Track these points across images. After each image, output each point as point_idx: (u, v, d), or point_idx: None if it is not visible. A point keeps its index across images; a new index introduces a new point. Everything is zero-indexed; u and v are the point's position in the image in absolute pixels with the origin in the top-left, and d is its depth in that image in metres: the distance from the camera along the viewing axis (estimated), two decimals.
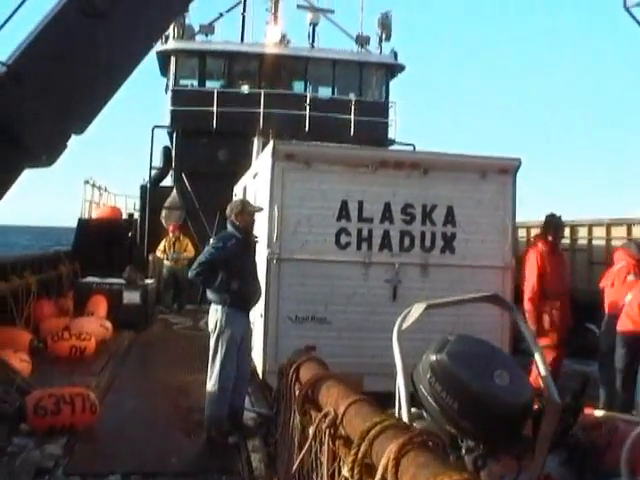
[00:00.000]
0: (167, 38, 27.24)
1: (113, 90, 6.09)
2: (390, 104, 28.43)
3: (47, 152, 5.77)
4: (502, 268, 10.59)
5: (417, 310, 5.92)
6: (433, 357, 5.28)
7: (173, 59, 27.42)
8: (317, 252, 10.07)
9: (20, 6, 5.53)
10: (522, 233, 17.61)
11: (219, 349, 8.85)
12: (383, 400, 5.54)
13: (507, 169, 10.65)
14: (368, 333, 9.99)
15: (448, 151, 11.18)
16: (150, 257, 23.10)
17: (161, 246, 22.31)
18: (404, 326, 5.92)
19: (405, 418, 5.24)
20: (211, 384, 8.85)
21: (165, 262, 22.17)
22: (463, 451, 5.24)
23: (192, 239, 22.52)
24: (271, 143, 10.13)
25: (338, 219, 10.13)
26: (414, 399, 5.41)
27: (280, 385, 6.49)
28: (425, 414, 5.40)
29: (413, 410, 5.43)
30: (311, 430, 4.23)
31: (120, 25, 5.87)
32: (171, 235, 22.42)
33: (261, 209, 9.47)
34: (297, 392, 5.23)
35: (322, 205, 10.07)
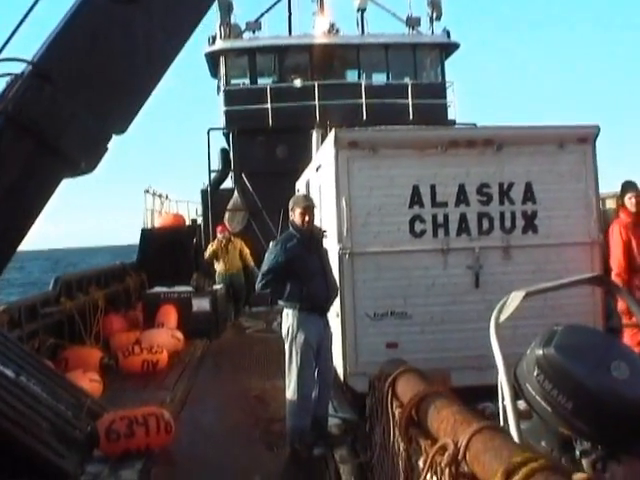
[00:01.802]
0: (214, 39, 27.22)
1: (155, 81, 5.57)
2: (447, 84, 27.93)
3: (86, 157, 5.23)
4: (589, 244, 9.89)
5: (515, 299, 5.24)
6: (540, 352, 4.62)
7: (222, 59, 27.28)
8: (391, 243, 9.47)
9: None
10: (610, 204, 16.68)
11: (294, 356, 8.37)
12: (472, 395, 5.01)
13: (586, 137, 9.92)
14: (451, 325, 9.47)
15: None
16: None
17: (210, 251, 20.49)
18: (502, 318, 5.24)
19: (513, 427, 4.57)
20: (290, 393, 8.36)
21: (217, 268, 20.33)
22: (577, 454, 4.58)
23: (252, 241, 21.31)
24: (332, 132, 9.58)
25: (410, 206, 9.50)
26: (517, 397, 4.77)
27: (372, 400, 5.84)
28: (534, 415, 4.75)
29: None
30: (421, 463, 3.60)
31: (156, 8, 5.29)
32: (220, 236, 20.45)
33: (311, 205, 8.88)
34: (396, 411, 4.58)
35: (392, 192, 9.46)
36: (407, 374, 4.98)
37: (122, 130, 5.39)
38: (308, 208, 8.63)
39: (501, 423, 4.73)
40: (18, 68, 5.02)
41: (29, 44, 5.21)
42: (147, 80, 5.47)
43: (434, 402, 4.02)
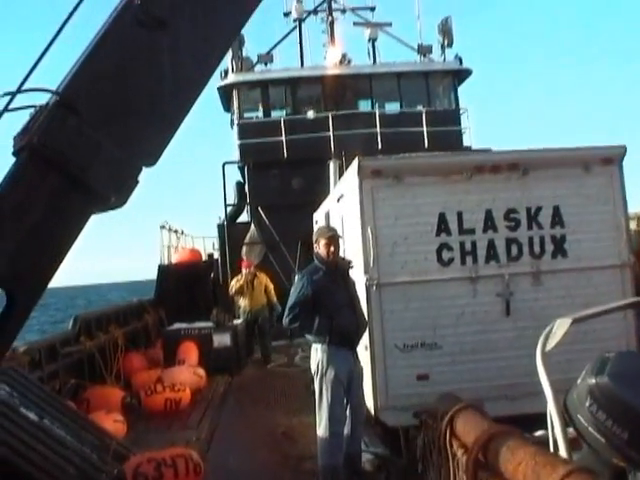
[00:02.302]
0: (226, 72, 27.29)
1: (184, 110, 5.39)
2: (461, 111, 27.86)
3: (115, 190, 5.03)
4: (620, 266, 9.69)
5: (562, 327, 5.03)
6: (592, 380, 4.41)
7: (235, 92, 27.33)
8: (419, 272, 9.29)
9: (65, 24, 4.87)
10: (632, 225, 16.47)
11: (324, 392, 8.14)
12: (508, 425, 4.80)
13: (612, 158, 9.78)
14: (483, 354, 9.28)
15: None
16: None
17: (236, 287, 19.41)
18: (549, 347, 5.02)
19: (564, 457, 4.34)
20: (321, 431, 8.12)
21: (241, 304, 19.49)
22: None
23: (270, 274, 20.57)
24: (355, 161, 9.40)
25: (437, 234, 9.35)
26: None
27: (425, 440, 5.59)
28: (584, 445, 4.52)
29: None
30: None
31: (185, 34, 5.14)
32: (245, 271, 19.52)
33: (337, 236, 8.72)
34: (458, 452, 4.33)
35: (418, 221, 9.30)
36: (466, 411, 4.74)
37: (152, 162, 5.20)
38: (333, 238, 8.47)
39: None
40: (42, 99, 4.86)
41: (53, 74, 5.06)
42: (176, 109, 5.29)
43: (505, 442, 3.77)
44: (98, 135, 4.81)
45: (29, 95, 4.81)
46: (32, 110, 4.78)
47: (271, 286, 19.36)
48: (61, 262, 4.99)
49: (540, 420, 5.39)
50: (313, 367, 8.31)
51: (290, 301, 8.46)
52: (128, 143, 4.98)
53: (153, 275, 25.58)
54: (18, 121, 4.84)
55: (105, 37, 4.94)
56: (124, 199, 5.15)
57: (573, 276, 9.53)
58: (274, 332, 19.38)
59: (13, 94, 4.71)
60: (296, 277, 9.02)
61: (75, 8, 4.92)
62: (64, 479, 6.85)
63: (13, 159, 4.82)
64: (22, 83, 4.74)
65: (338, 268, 8.50)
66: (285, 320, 8.47)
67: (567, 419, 4.54)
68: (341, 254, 9.06)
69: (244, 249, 24.49)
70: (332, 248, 8.44)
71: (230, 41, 5.92)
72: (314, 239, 8.60)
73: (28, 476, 6.59)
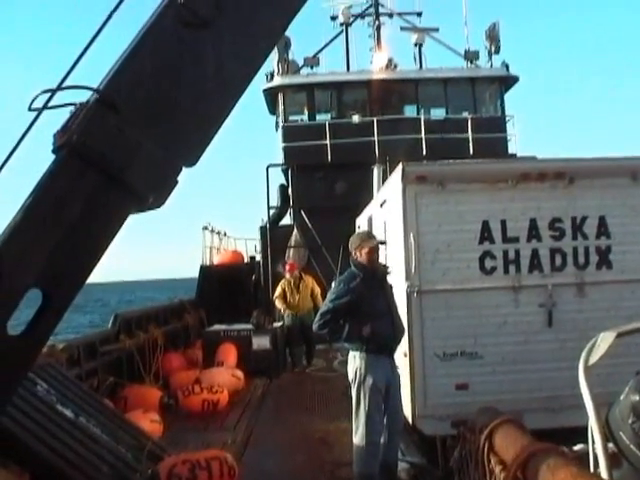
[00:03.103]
0: (272, 75, 27.36)
1: (226, 111, 5.33)
2: (507, 118, 27.64)
3: (154, 190, 4.99)
4: None
5: (606, 340, 4.87)
6: (636, 397, 4.26)
7: (281, 95, 27.36)
8: (461, 280, 9.16)
9: (107, 22, 4.84)
10: None
11: (362, 400, 8.03)
12: (546, 438, 4.67)
13: None
14: (524, 365, 9.13)
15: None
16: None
17: (279, 291, 18.92)
18: (591, 361, 4.88)
19: (605, 475, 4.21)
20: (358, 438, 8.01)
21: (289, 309, 18.67)
22: None
23: (316, 278, 20.17)
24: (399, 166, 9.31)
25: (480, 242, 9.22)
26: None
27: (462, 453, 5.48)
28: (624, 462, 4.37)
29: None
30: None
31: (229, 33, 5.10)
32: (288, 276, 18.95)
33: (383, 242, 8.65)
34: (496, 469, 4.21)
35: (461, 228, 9.18)
36: (506, 426, 4.61)
37: (192, 162, 5.16)
38: (377, 247, 8.39)
39: (591, 469, 4.39)
40: (83, 97, 4.84)
41: (95, 73, 5.04)
42: (217, 110, 5.24)
43: (545, 461, 3.65)
44: (138, 134, 4.78)
45: (70, 93, 4.80)
46: (72, 108, 4.77)
47: (318, 290, 18.69)
48: (97, 262, 4.97)
49: (580, 434, 5.27)
50: (351, 374, 8.21)
51: (323, 307, 8.44)
52: (168, 142, 4.94)
53: (194, 274, 25.72)
54: (58, 119, 4.83)
55: (147, 35, 4.91)
56: (163, 199, 5.12)
57: (617, 288, 9.34)
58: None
59: (53, 91, 4.70)
60: (333, 283, 8.93)
61: (117, 5, 4.91)
62: (97, 477, 6.85)
63: (53, 156, 4.81)
64: (62, 80, 4.73)
65: (376, 274, 8.41)
66: (315, 325, 8.41)
67: (608, 435, 4.40)
68: (382, 260, 8.98)
69: (289, 252, 24.49)
70: (375, 256, 8.38)
71: (274, 41, 5.87)
72: (355, 245, 8.44)
73: (62, 473, 6.60)
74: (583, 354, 4.94)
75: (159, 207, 5.18)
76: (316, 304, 17.96)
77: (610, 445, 4.39)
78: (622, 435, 4.27)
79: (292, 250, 24.78)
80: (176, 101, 4.99)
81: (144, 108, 4.88)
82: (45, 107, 4.69)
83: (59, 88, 4.71)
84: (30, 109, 4.68)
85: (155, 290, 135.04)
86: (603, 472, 4.23)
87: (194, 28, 4.90)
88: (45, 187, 4.70)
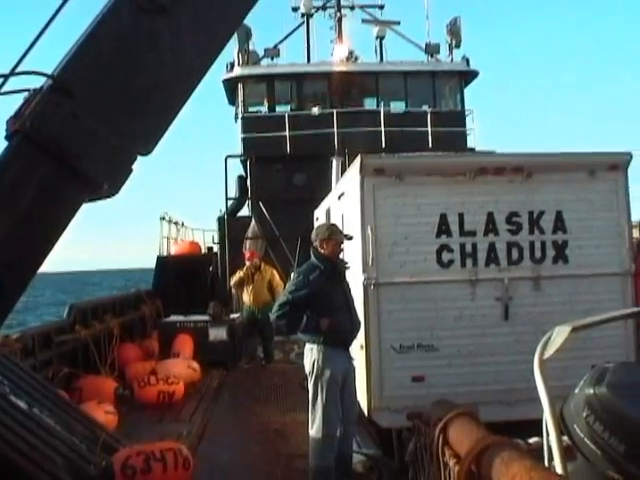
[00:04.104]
0: (232, 65, 27.22)
1: (182, 99, 5.27)
2: (467, 112, 27.75)
3: (109, 178, 4.91)
4: (621, 275, 9.59)
5: (561, 334, 4.89)
6: (590, 391, 4.27)
7: (240, 86, 27.25)
8: (418, 273, 9.18)
9: (62, 6, 4.76)
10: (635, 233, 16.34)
11: (319, 392, 8.01)
12: (500, 431, 4.70)
13: (617, 165, 9.67)
14: (480, 358, 9.20)
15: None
16: (233, 290, 20.79)
17: (236, 278, 18.28)
18: (546, 354, 4.90)
19: (559, 468, 4.23)
20: (314, 431, 8.00)
21: (244, 299, 18.19)
22: None
23: (276, 268, 19.62)
24: (358, 158, 9.28)
25: (438, 235, 9.24)
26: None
27: (417, 445, 5.47)
28: (578, 456, 4.40)
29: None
30: None
31: (186, 20, 5.03)
32: (248, 263, 18.26)
33: (351, 237, 8.63)
34: (450, 462, 4.21)
35: (419, 221, 9.20)
36: (460, 419, 4.60)
37: (148, 151, 5.09)
38: (342, 240, 8.41)
39: (545, 462, 4.41)
40: (36, 82, 4.75)
41: (49, 57, 4.96)
42: (174, 98, 5.19)
43: (499, 454, 3.64)
44: (93, 121, 4.71)
45: (23, 78, 4.71)
46: (26, 94, 4.69)
47: (278, 281, 17.94)
48: (51, 249, 4.90)
49: (535, 426, 5.29)
50: (308, 367, 8.20)
51: (282, 298, 8.40)
52: (124, 130, 4.87)
53: (150, 264, 25.54)
54: (11, 105, 4.75)
55: (103, 21, 4.83)
56: (117, 187, 5.05)
57: (574, 283, 9.44)
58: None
59: (6, 77, 4.61)
60: (292, 275, 8.90)
61: None
62: (51, 469, 6.76)
63: (5, 143, 4.73)
64: (16, 66, 4.64)
65: (336, 268, 8.39)
66: (273, 316, 8.36)
67: (563, 428, 4.42)
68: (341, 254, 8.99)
69: (246, 243, 24.37)
70: (339, 249, 8.40)
71: (232, 30, 5.80)
72: (322, 236, 8.39)
73: (15, 464, 6.52)
74: (538, 348, 4.96)
75: (113, 195, 5.11)
76: (274, 297, 16.97)
77: (564, 438, 4.42)
78: (576, 428, 4.28)
79: (249, 241, 24.68)
80: (132, 88, 4.92)
81: (99, 95, 4.81)
82: None
83: (12, 73, 4.62)
84: None
85: (110, 280, 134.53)
86: (557, 465, 4.25)
87: (151, 14, 4.83)
88: None
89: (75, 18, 5.32)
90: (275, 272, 18.44)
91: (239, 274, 18.26)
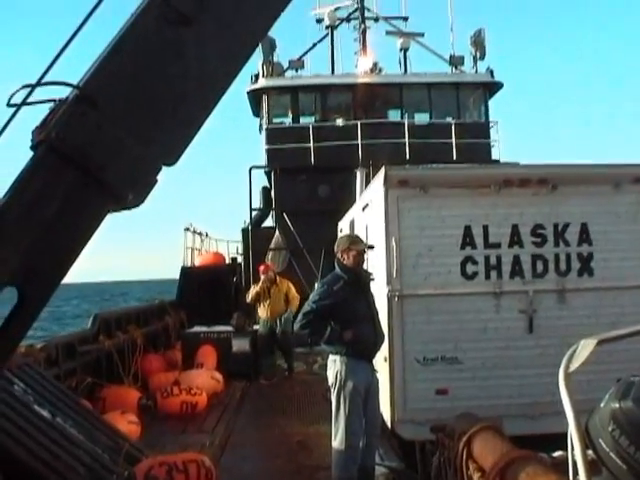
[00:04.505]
0: (257, 77, 27.34)
1: (207, 110, 5.26)
2: (491, 124, 27.67)
3: (133, 189, 4.91)
4: None
5: (586, 348, 4.83)
6: (616, 405, 4.22)
7: (265, 97, 27.30)
8: (442, 285, 9.14)
9: (88, 17, 4.78)
10: None
11: (342, 404, 7.97)
12: (525, 444, 4.64)
13: None
14: (504, 371, 9.12)
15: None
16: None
17: (252, 294, 17.71)
18: (572, 368, 4.84)
19: None
20: (337, 442, 7.95)
21: (261, 314, 17.70)
22: None
23: (298, 281, 19.91)
24: (382, 170, 9.27)
25: (462, 247, 9.20)
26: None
27: (440, 460, 5.43)
28: (604, 470, 4.34)
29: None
30: None
31: (211, 31, 5.03)
32: (263, 277, 17.66)
33: (371, 246, 8.59)
34: (474, 476, 4.17)
35: (443, 233, 9.16)
36: (484, 433, 4.55)
37: (173, 161, 5.09)
38: (364, 250, 8.37)
39: (570, 476, 4.36)
40: (62, 93, 4.77)
41: (75, 68, 4.97)
42: (199, 108, 5.18)
43: (524, 468, 3.59)
44: (118, 131, 4.71)
45: (49, 89, 4.73)
46: (52, 104, 4.70)
47: (293, 294, 17.57)
48: (75, 260, 4.89)
49: (559, 440, 5.23)
50: (331, 378, 8.16)
51: (305, 307, 8.35)
52: (149, 141, 4.87)
53: (173, 275, 25.62)
54: (37, 115, 4.76)
55: (129, 32, 4.83)
56: (142, 198, 5.04)
57: (599, 295, 9.35)
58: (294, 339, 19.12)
59: (32, 87, 4.62)
60: (316, 285, 8.87)
61: (99, 1, 4.84)
62: (74, 479, 6.77)
63: (31, 153, 4.74)
64: (42, 76, 4.63)
65: (360, 279, 8.36)
66: (296, 325, 8.35)
67: (588, 442, 4.37)
68: (365, 265, 8.95)
69: (269, 255, 24.39)
70: (362, 259, 8.36)
71: (257, 41, 5.80)
72: (342, 247, 8.37)
73: (38, 474, 6.53)
74: (564, 361, 4.90)
75: (138, 206, 5.10)
76: (291, 309, 17.15)
77: (589, 452, 4.36)
78: (602, 442, 4.23)
79: (272, 253, 24.69)
80: (157, 99, 4.92)
81: (124, 105, 4.81)
82: (24, 103, 4.61)
83: (38, 84, 4.63)
84: (9, 105, 4.60)
85: (136, 291, 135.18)
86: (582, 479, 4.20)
87: (177, 25, 4.84)
88: (23, 184, 4.62)
89: (102, 29, 5.33)
90: (291, 285, 18.07)
91: (255, 289, 17.85)
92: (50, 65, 4.67)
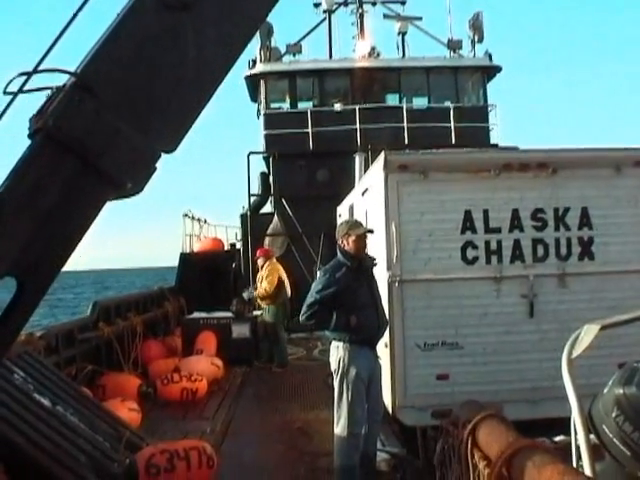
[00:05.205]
0: (254, 62, 27.24)
1: (206, 97, 5.21)
2: (490, 107, 27.55)
3: (132, 177, 4.86)
4: None
5: (589, 333, 4.81)
6: (619, 391, 4.20)
7: (262, 82, 27.19)
8: (442, 270, 9.11)
9: (85, 3, 4.72)
10: None
11: (344, 390, 7.92)
12: (525, 429, 4.62)
13: None
14: (505, 356, 9.12)
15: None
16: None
17: (272, 283, 16.83)
18: (575, 353, 4.82)
19: (587, 468, 4.16)
20: (339, 429, 7.92)
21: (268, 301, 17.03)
22: None
23: (293, 266, 19.74)
24: (382, 154, 9.22)
25: (462, 232, 9.17)
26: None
27: (444, 447, 5.39)
28: (607, 456, 4.32)
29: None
30: None
31: (210, 16, 4.98)
32: (268, 263, 17.20)
33: (370, 230, 8.52)
34: (480, 465, 4.13)
35: (443, 218, 9.13)
36: (490, 421, 4.51)
37: (172, 149, 5.04)
38: (365, 235, 8.27)
39: (574, 462, 4.34)
40: (59, 80, 4.72)
41: (71, 55, 4.92)
42: (198, 95, 5.13)
43: (531, 458, 3.56)
44: (116, 119, 4.66)
45: (46, 76, 4.68)
46: (49, 92, 4.66)
47: (272, 280, 16.77)
48: (73, 250, 4.86)
49: (559, 425, 5.22)
50: (333, 365, 8.11)
51: (309, 298, 8.22)
52: (147, 128, 4.83)
53: (172, 262, 25.59)
54: (34, 103, 4.72)
55: (126, 18, 4.78)
56: (141, 186, 5.00)
57: (600, 280, 9.35)
58: (292, 325, 19.03)
59: (29, 74, 4.57)
60: (318, 273, 8.82)
61: None
62: (75, 467, 6.76)
63: (29, 141, 4.70)
64: (38, 63, 4.58)
65: (362, 265, 8.30)
66: (302, 317, 8.24)
67: (591, 428, 4.35)
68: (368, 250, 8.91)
69: (267, 240, 24.34)
70: (363, 244, 8.25)
71: (256, 27, 5.74)
72: (342, 232, 8.29)
73: (38, 462, 6.51)
74: (567, 346, 4.88)
75: (137, 194, 5.07)
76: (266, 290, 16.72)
77: (592, 438, 4.35)
78: (605, 428, 4.22)
79: (270, 238, 24.65)
80: (155, 85, 4.88)
81: (123, 92, 4.76)
82: (20, 90, 4.56)
83: (35, 71, 4.58)
84: (5, 92, 4.55)
85: (133, 278, 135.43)
86: (585, 465, 4.18)
87: (175, 10, 4.78)
88: (20, 173, 4.59)
89: (98, 15, 5.28)
90: (271, 270, 17.07)
91: (271, 279, 16.95)
92: (47, 52, 4.62)
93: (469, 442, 4.47)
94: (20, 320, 4.78)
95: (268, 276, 16.83)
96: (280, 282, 16.96)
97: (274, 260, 17.65)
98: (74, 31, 4.69)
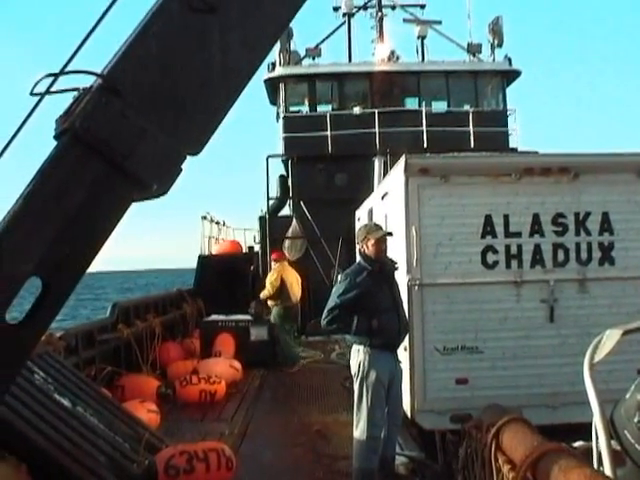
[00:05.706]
0: (274, 65, 27.30)
1: (233, 97, 5.23)
2: (509, 112, 27.51)
3: (158, 178, 4.89)
4: None
5: (611, 338, 4.80)
6: None
7: (282, 86, 27.30)
8: (462, 274, 9.10)
9: (112, 5, 4.75)
10: None
11: (364, 394, 7.91)
12: (544, 434, 4.61)
13: None
14: (524, 361, 9.10)
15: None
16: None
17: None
18: (597, 358, 4.80)
19: (609, 473, 4.14)
20: (358, 433, 7.91)
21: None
22: None
23: (311, 270, 20.20)
24: (402, 158, 9.23)
25: (483, 236, 9.16)
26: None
27: (467, 451, 5.38)
28: (628, 461, 4.31)
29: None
30: None
31: (236, 19, 5.00)
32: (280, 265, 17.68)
33: (389, 233, 8.50)
34: (504, 468, 4.12)
35: (464, 222, 9.12)
36: (514, 424, 4.51)
37: (197, 151, 5.06)
38: (384, 237, 8.25)
39: (595, 467, 4.33)
40: (86, 82, 4.74)
41: (99, 57, 4.95)
42: (223, 97, 5.15)
43: (557, 461, 3.56)
44: (142, 120, 4.69)
45: (73, 77, 4.70)
46: (75, 93, 4.69)
47: (273, 282, 17.13)
48: (99, 250, 4.88)
49: (579, 430, 5.20)
50: (354, 368, 8.09)
51: (330, 302, 8.18)
52: (173, 130, 4.85)
53: (192, 264, 25.65)
54: (61, 104, 4.74)
55: (153, 20, 4.80)
56: (167, 187, 5.02)
57: (620, 285, 9.31)
58: (310, 329, 19.11)
59: (56, 75, 4.60)
60: (339, 277, 8.81)
61: None
62: (95, 467, 6.78)
63: (55, 143, 4.73)
64: (66, 65, 4.61)
65: (383, 269, 8.27)
66: (323, 322, 8.19)
67: (612, 433, 4.34)
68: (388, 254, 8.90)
69: (286, 243, 24.38)
70: (382, 247, 8.23)
71: (281, 29, 5.75)
72: (361, 236, 8.28)
73: (58, 463, 6.54)
74: (588, 351, 4.87)
75: (162, 195, 5.09)
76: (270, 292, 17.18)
77: (613, 443, 4.33)
78: (627, 434, 4.21)
79: (289, 241, 24.68)
80: (181, 88, 4.90)
81: (149, 94, 4.78)
82: (47, 92, 4.59)
83: (62, 72, 4.61)
84: (32, 94, 4.58)
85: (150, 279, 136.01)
86: (607, 470, 4.17)
87: (201, 13, 4.80)
88: (47, 173, 4.62)
89: (125, 17, 5.30)
90: (276, 272, 17.39)
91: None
92: (74, 53, 4.64)
93: (493, 445, 4.46)
94: (45, 320, 4.80)
95: (271, 277, 17.15)
96: (283, 283, 17.08)
97: (285, 263, 17.85)
98: (101, 32, 4.71)
